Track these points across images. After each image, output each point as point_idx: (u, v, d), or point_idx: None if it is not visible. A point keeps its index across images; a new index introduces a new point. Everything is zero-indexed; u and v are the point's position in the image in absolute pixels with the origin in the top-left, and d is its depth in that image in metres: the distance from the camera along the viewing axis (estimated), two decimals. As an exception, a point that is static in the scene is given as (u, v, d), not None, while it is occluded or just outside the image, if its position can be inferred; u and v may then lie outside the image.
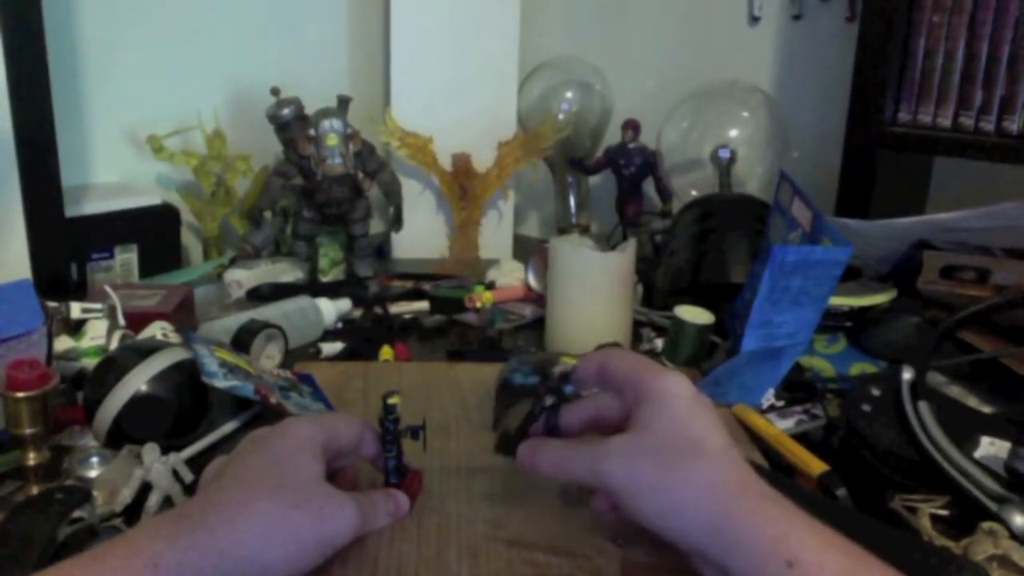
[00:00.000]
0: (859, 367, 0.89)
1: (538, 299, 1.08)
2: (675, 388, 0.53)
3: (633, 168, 1.33)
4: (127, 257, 1.15)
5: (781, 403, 0.82)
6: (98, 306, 0.89)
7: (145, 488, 0.63)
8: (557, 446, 0.57)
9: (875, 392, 0.74)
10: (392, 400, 0.58)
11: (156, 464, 0.63)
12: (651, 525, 0.51)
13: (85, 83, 1.20)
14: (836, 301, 0.90)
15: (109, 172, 1.24)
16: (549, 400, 0.58)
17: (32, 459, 0.66)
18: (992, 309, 0.83)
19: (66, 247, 1.05)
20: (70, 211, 1.06)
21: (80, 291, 1.07)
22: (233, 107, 1.30)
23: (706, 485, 0.50)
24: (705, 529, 0.49)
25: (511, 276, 1.17)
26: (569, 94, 1.41)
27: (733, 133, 1.25)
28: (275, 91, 1.14)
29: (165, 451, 0.65)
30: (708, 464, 0.50)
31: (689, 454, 0.51)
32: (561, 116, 1.38)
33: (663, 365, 0.92)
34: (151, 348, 0.73)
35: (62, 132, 1.02)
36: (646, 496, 0.51)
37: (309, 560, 0.50)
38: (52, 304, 0.86)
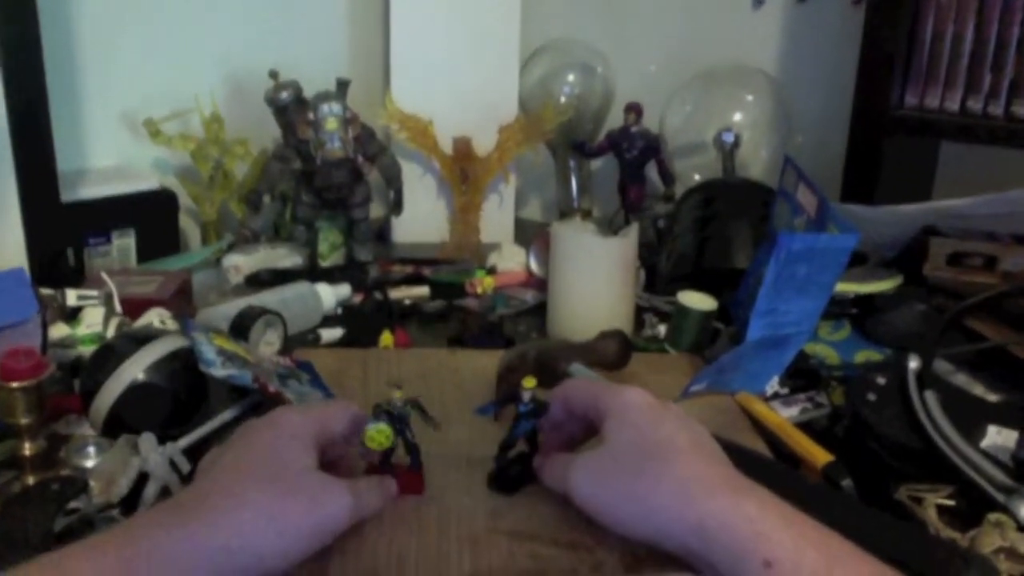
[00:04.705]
0: (864, 354, 0.88)
1: (540, 284, 1.07)
2: (633, 399, 0.56)
3: (635, 152, 1.32)
4: (124, 242, 1.14)
5: (785, 390, 0.81)
6: (94, 293, 0.88)
7: (142, 478, 0.62)
8: (553, 461, 0.59)
9: (881, 381, 0.73)
10: (396, 394, 0.59)
11: (153, 454, 0.63)
12: (632, 534, 0.52)
13: (80, 66, 1.18)
14: (841, 288, 0.89)
15: (105, 156, 1.23)
16: (513, 453, 0.62)
17: (28, 449, 0.66)
18: (1000, 297, 0.82)
19: (62, 232, 1.05)
20: (66, 196, 1.05)
21: (78, 276, 1.07)
22: (231, 90, 1.29)
23: (678, 485, 0.50)
24: (685, 529, 0.49)
25: (512, 261, 1.16)
26: (571, 77, 1.39)
27: (737, 117, 1.23)
28: (273, 74, 1.13)
29: (162, 441, 0.64)
30: (677, 464, 0.51)
31: (656, 458, 0.52)
32: (563, 99, 1.37)
33: (666, 352, 0.92)
34: (148, 336, 0.72)
35: (57, 116, 1.01)
36: (620, 507, 0.52)
37: (304, 548, 0.50)
38: (47, 292, 0.86)
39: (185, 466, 0.64)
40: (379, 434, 0.57)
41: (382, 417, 0.58)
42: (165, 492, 0.62)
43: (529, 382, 0.61)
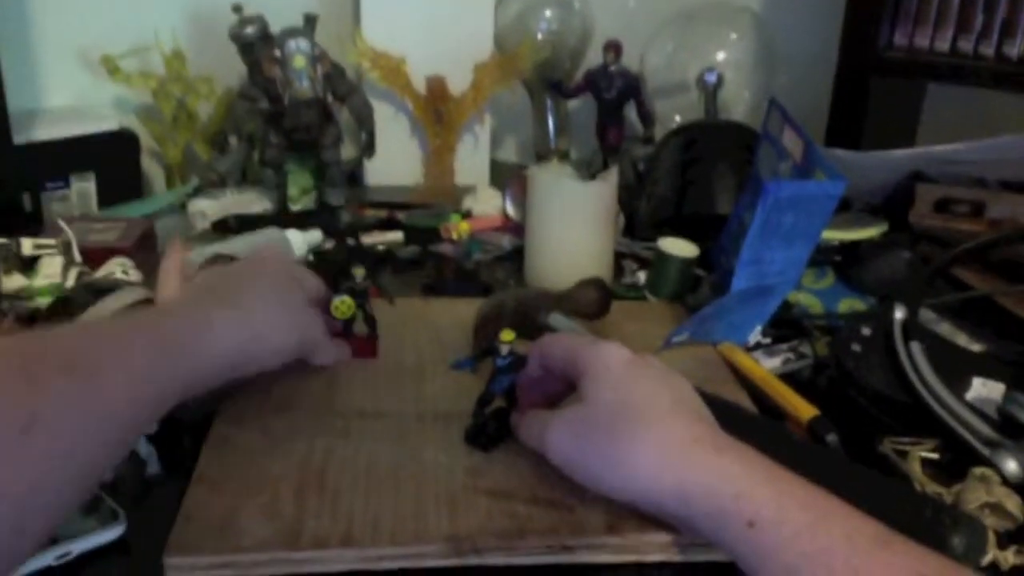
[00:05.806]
0: (848, 303, 0.87)
1: (516, 228, 1.04)
2: (612, 357, 0.54)
3: (614, 92, 1.28)
4: (84, 186, 1.09)
5: (768, 340, 0.80)
6: (52, 242, 0.84)
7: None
8: (530, 418, 0.57)
9: (865, 332, 0.71)
10: (358, 272, 0.70)
11: (115, 413, 0.60)
12: (611, 495, 0.51)
13: (32, -1, 1.13)
14: (825, 235, 0.87)
15: (61, 95, 1.17)
16: (491, 409, 0.61)
17: (-18, 406, 0.62)
18: (986, 245, 0.80)
19: (16, 176, 1.00)
20: (19, 138, 1.00)
21: (35, 223, 1.02)
22: (193, 25, 1.23)
23: (656, 447, 0.49)
24: (665, 492, 0.48)
25: (488, 204, 1.13)
26: (548, 13, 1.34)
27: (720, 56, 1.20)
28: (237, 8, 1.08)
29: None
30: (655, 425, 0.50)
31: (634, 419, 0.50)
32: (539, 36, 1.32)
33: (646, 300, 0.90)
34: (109, 286, 0.70)
35: (7, 52, 0.96)
36: (598, 469, 0.51)
37: (290, 353, 0.62)
38: (1, 240, 0.82)
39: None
40: (343, 304, 0.68)
41: (346, 291, 0.69)
42: (132, 457, 0.59)
43: (507, 335, 0.59)
